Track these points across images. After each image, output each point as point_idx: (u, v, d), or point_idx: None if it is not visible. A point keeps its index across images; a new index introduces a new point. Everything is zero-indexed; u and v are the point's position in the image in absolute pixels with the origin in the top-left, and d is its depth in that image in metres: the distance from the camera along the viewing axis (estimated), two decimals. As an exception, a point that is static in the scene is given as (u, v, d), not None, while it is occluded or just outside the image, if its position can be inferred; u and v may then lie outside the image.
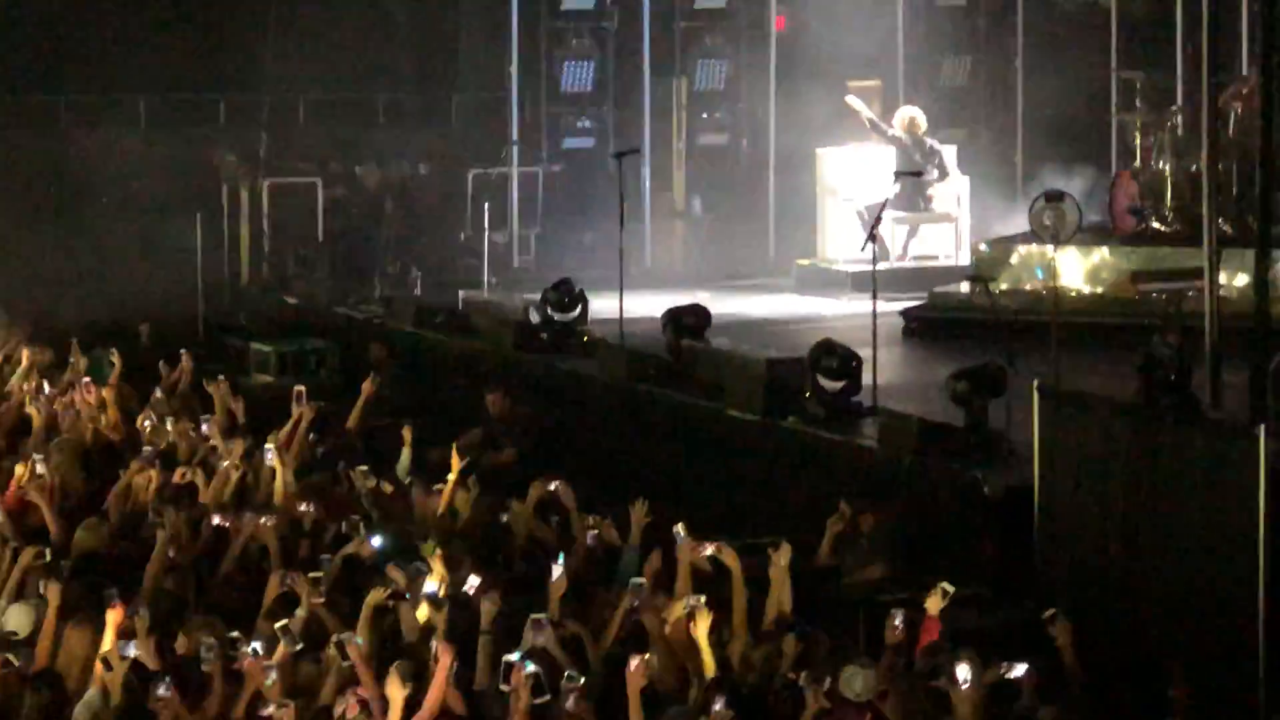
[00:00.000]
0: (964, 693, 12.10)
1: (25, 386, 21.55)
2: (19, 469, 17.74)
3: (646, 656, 12.48)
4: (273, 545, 15.70)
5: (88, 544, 16.08)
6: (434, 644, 12.71)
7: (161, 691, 12.20)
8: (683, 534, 14.92)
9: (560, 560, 14.37)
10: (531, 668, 12.02)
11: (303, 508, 16.85)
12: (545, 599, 13.82)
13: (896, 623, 13.52)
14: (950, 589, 14.09)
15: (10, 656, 12.93)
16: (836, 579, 16.63)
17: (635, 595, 13.70)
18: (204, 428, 19.36)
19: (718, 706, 11.80)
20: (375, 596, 13.75)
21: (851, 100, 27.97)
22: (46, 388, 21.46)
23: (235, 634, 13.30)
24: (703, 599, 13.43)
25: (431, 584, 14.08)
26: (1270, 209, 19.55)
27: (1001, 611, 16.03)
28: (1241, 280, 20.59)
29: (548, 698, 12.01)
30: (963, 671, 12.16)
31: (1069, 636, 13.30)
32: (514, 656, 12.22)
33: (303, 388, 20.68)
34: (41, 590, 14.06)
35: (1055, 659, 13.31)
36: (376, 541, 15.65)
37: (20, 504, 17.24)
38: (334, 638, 12.92)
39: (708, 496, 19.95)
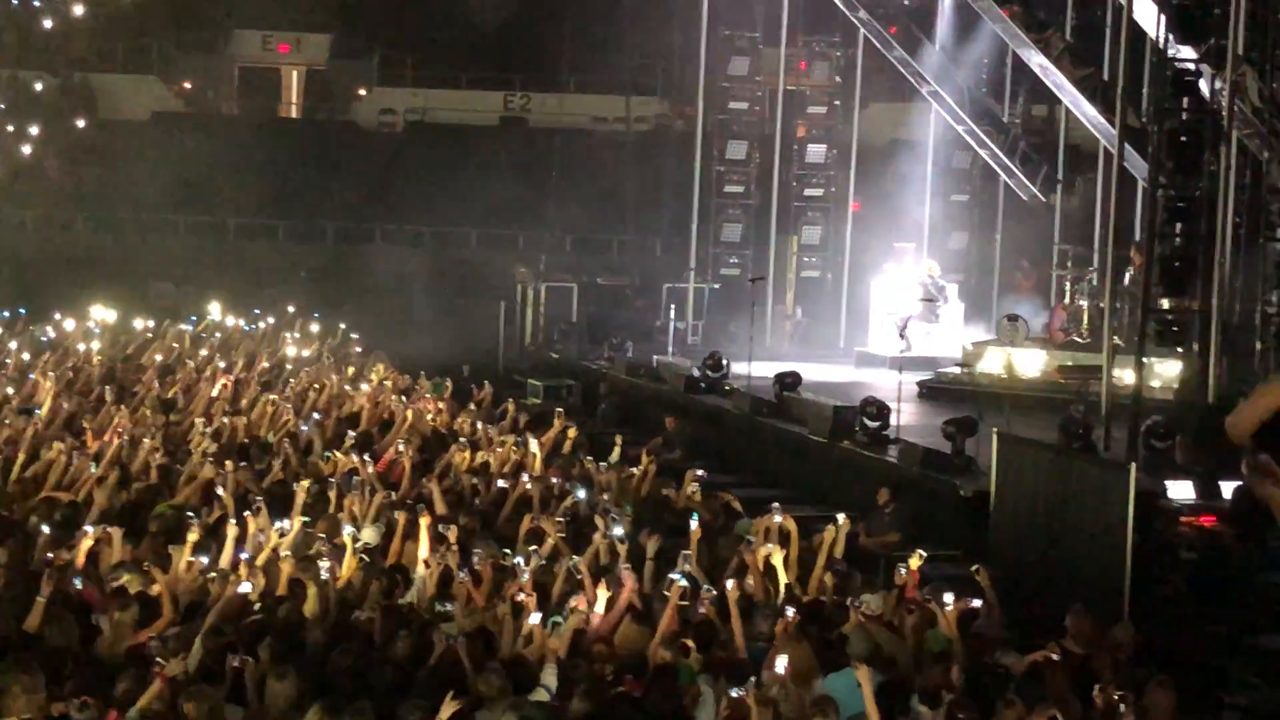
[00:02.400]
0: (949, 613, 11.60)
1: (394, 399, 21.38)
2: (389, 447, 17.59)
3: (737, 580, 11.96)
4: (535, 498, 15.40)
5: (427, 493, 15.53)
6: (620, 568, 12.24)
7: (462, 576, 11.85)
8: (778, 505, 14.58)
9: (695, 518, 13.91)
10: (683, 581, 11.55)
11: (552, 479, 16.50)
12: (688, 542, 13.33)
13: (901, 571, 12.97)
14: (924, 554, 13.28)
15: (366, 557, 12.63)
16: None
17: (745, 543, 13.26)
18: (494, 430, 19.14)
19: (789, 612, 11.17)
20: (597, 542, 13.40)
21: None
22: (405, 399, 21.39)
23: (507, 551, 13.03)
24: (778, 547, 13.04)
25: (619, 529, 13.57)
26: (1146, 332, 19.41)
27: (965, 566, 15.33)
28: (1127, 374, 19.98)
29: (688, 603, 11.60)
30: (948, 600, 11.73)
31: (988, 581, 12.60)
32: (674, 575, 11.77)
33: (559, 408, 20.91)
34: (389, 518, 13.94)
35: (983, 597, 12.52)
36: (581, 494, 15.38)
37: (386, 468, 16.93)
38: (570, 559, 12.56)
39: (796, 486, 19.70)
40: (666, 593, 11.52)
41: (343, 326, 28.57)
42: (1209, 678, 13.06)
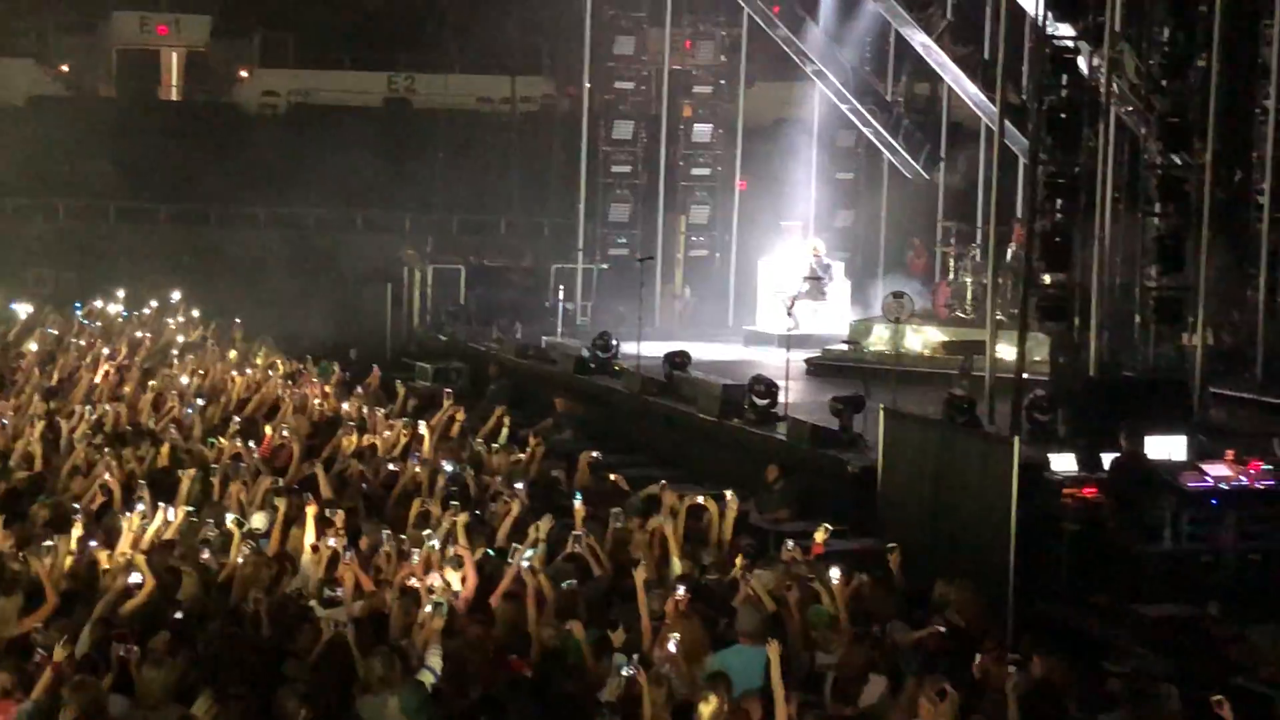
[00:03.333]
0: (835, 587, 11.70)
1: (280, 382, 21.23)
2: (270, 431, 17.53)
3: (644, 563, 11.97)
4: (424, 481, 15.36)
5: (306, 474, 15.65)
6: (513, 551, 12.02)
7: (347, 559, 11.79)
8: (665, 484, 14.76)
9: (579, 497, 14.01)
10: (529, 555, 11.52)
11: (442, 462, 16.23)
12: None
13: (789, 545, 13.04)
14: (830, 528, 13.83)
15: (255, 544, 12.55)
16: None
17: (630, 520, 13.54)
18: (381, 412, 18.99)
19: (681, 588, 11.20)
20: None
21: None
22: (292, 383, 21.35)
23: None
24: (671, 523, 13.06)
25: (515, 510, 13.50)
26: (1028, 307, 19.50)
27: (855, 541, 15.54)
28: (1009, 350, 19.92)
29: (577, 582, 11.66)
30: (834, 575, 11.81)
31: (899, 561, 12.87)
32: (529, 553, 11.68)
33: (448, 389, 20.77)
34: (275, 503, 13.76)
35: (888, 573, 12.79)
36: (472, 475, 15.32)
37: (271, 452, 16.81)
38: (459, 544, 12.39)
39: (686, 464, 19.80)
40: (524, 565, 11.46)
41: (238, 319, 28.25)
42: (1092, 647, 13.20)
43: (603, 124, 31.68)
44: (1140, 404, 17.59)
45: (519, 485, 14.76)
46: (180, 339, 25.73)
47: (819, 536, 13.58)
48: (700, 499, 14.25)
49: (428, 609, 10.48)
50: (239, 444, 16.44)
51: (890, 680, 10.07)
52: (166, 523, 13.07)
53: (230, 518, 13.05)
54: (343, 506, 13.72)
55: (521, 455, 17.25)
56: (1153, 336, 21.81)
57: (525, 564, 11.50)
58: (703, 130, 32.18)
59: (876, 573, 12.67)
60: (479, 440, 17.95)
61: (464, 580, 11.61)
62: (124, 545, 12.34)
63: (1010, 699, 9.30)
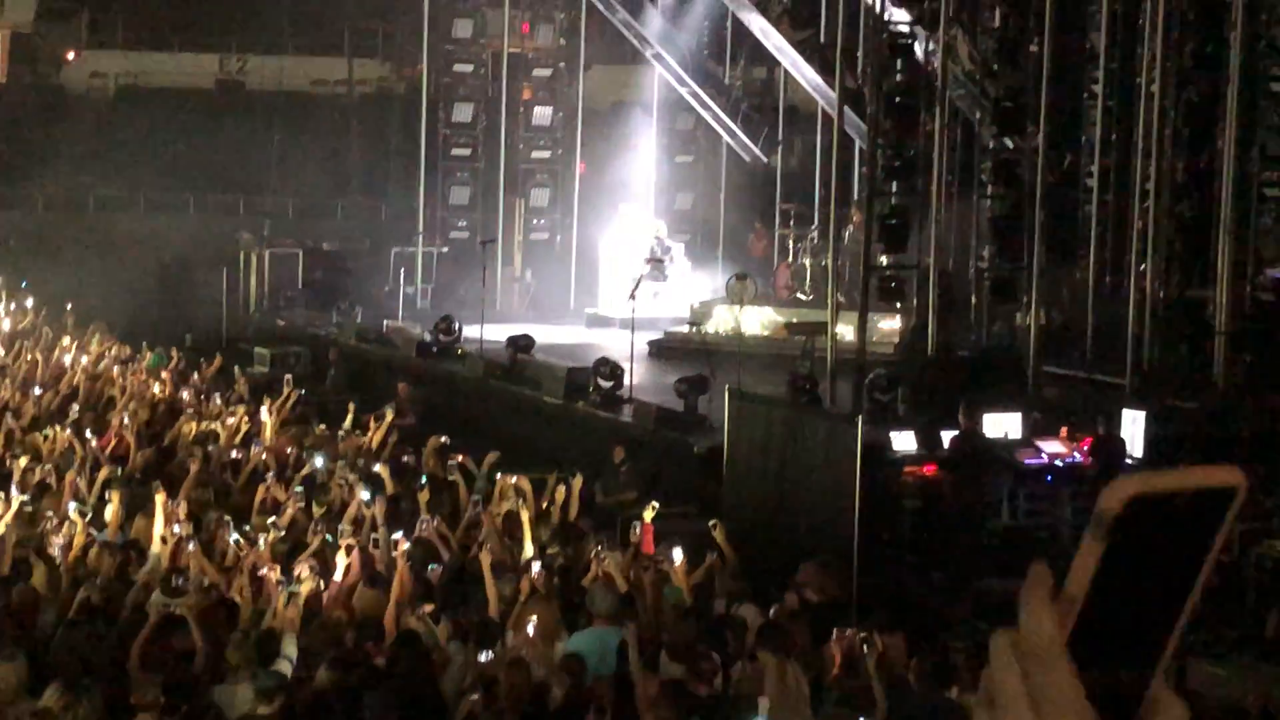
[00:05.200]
0: (678, 568, 11.81)
1: (115, 368, 21.05)
2: (114, 419, 17.29)
3: (489, 546, 11.97)
4: (271, 465, 15.35)
5: (154, 466, 15.52)
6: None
7: (190, 548, 11.77)
8: (494, 462, 14.92)
9: (424, 480, 14.07)
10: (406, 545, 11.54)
11: (286, 448, 16.47)
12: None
13: (635, 529, 12.96)
14: (657, 505, 13.71)
15: (95, 532, 12.47)
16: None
17: (480, 503, 13.56)
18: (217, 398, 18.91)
19: (536, 567, 11.32)
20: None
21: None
22: (127, 370, 21.07)
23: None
24: (520, 502, 13.13)
25: (365, 494, 13.38)
26: (868, 289, 19.93)
27: (701, 522, 15.01)
28: (850, 330, 20.27)
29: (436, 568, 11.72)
30: (677, 555, 11.89)
31: (724, 536, 12.78)
32: (396, 536, 11.79)
33: (288, 375, 20.72)
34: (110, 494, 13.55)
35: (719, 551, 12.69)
36: (319, 461, 15.31)
37: (110, 441, 16.56)
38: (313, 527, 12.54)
39: (530, 447, 19.39)
40: (394, 554, 11.49)
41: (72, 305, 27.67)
42: (934, 622, 13.36)
43: (442, 107, 31.50)
44: (977, 383, 17.88)
45: (377, 469, 14.67)
46: (11, 325, 25.17)
47: (647, 516, 13.51)
48: (522, 479, 14.14)
49: (283, 598, 10.36)
50: (71, 435, 16.14)
51: (722, 656, 10.11)
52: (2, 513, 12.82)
53: (72, 506, 12.81)
54: (195, 497, 13.57)
55: (364, 440, 17.14)
56: (986, 317, 22.32)
57: (378, 550, 11.46)
58: (542, 113, 32.12)
59: (721, 552, 12.64)
60: (321, 426, 17.78)
61: (348, 569, 11.54)
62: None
63: (874, 675, 9.43)
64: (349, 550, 11.84)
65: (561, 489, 14.03)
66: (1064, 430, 16.80)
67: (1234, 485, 1.23)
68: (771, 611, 11.05)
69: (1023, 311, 20.88)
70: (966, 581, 14.67)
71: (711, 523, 13.11)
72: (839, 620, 10.87)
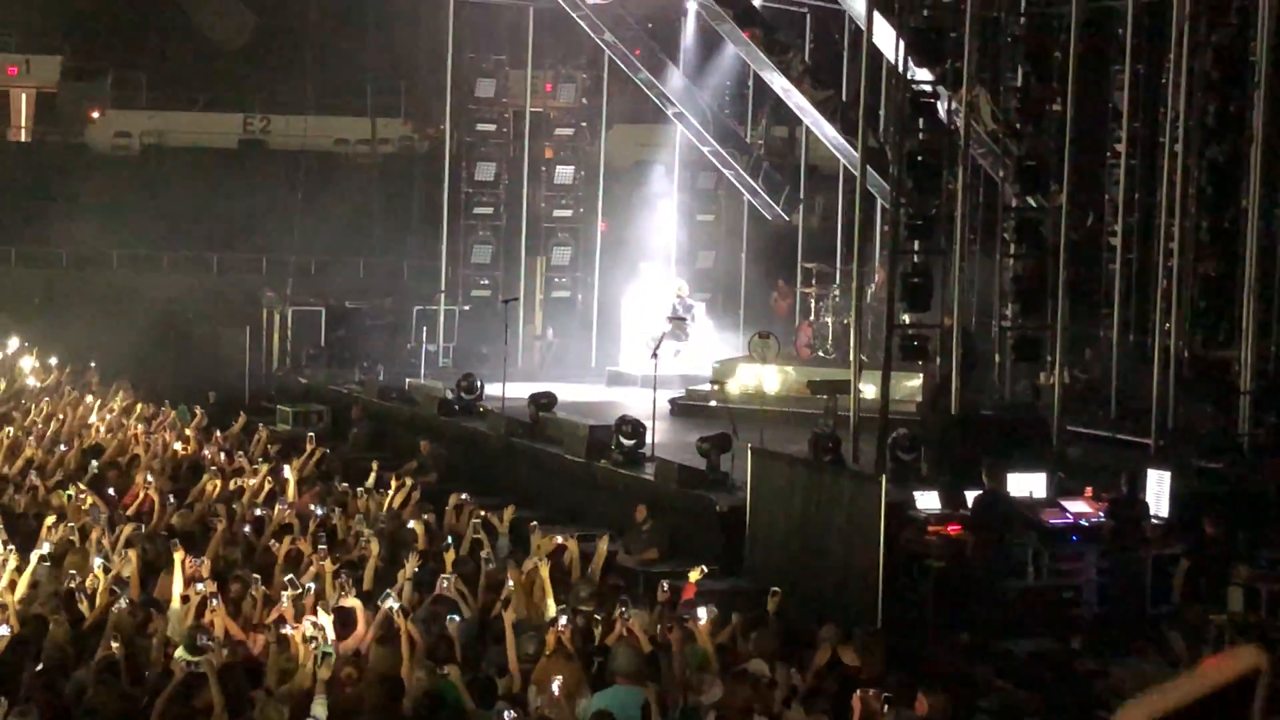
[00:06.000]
0: (703, 627, 11.77)
1: (139, 426, 21.26)
2: (137, 476, 17.42)
3: (514, 603, 12.18)
4: (295, 523, 15.37)
5: (178, 524, 15.64)
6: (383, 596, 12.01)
7: (214, 605, 11.88)
8: (536, 525, 14.98)
9: (450, 541, 14.17)
10: (397, 605, 11.46)
11: (309, 505, 16.46)
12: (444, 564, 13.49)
13: (664, 586, 13.28)
14: (705, 569, 13.92)
15: (117, 590, 12.44)
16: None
17: (503, 562, 13.58)
18: (240, 457, 19.04)
19: (562, 621, 11.19)
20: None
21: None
22: (149, 427, 21.27)
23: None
24: (545, 562, 13.09)
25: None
26: (890, 347, 19.67)
27: (724, 581, 15.56)
28: (872, 389, 20.06)
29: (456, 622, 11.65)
30: (702, 615, 11.87)
31: (778, 605, 12.83)
32: (391, 599, 11.62)
33: (310, 433, 20.76)
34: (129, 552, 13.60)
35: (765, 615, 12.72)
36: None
37: (134, 499, 16.75)
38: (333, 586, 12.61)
39: (552, 506, 19.69)
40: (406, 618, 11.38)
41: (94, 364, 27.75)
42: (958, 683, 13.19)
43: (464, 165, 31.61)
44: (1001, 442, 17.80)
45: (411, 525, 14.65)
46: (33, 383, 25.27)
47: (694, 577, 13.59)
48: (567, 539, 14.26)
49: (313, 658, 10.33)
50: (92, 491, 16.21)
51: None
52: (20, 571, 12.84)
53: (98, 562, 12.82)
54: (222, 556, 13.61)
55: (387, 498, 17.20)
56: (1010, 376, 22.27)
57: (393, 607, 11.45)
58: (564, 172, 32.19)
59: (754, 613, 12.73)
60: (343, 485, 17.83)
61: (355, 627, 11.55)
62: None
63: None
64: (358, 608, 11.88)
65: (576, 547, 14.12)
66: (1088, 490, 16.72)
67: (1256, 669, 1.12)
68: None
69: (1046, 370, 20.82)
70: (990, 642, 14.57)
71: (773, 590, 13.07)
72: (871, 682, 10.79)
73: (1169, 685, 1.11)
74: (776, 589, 13.20)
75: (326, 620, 11.47)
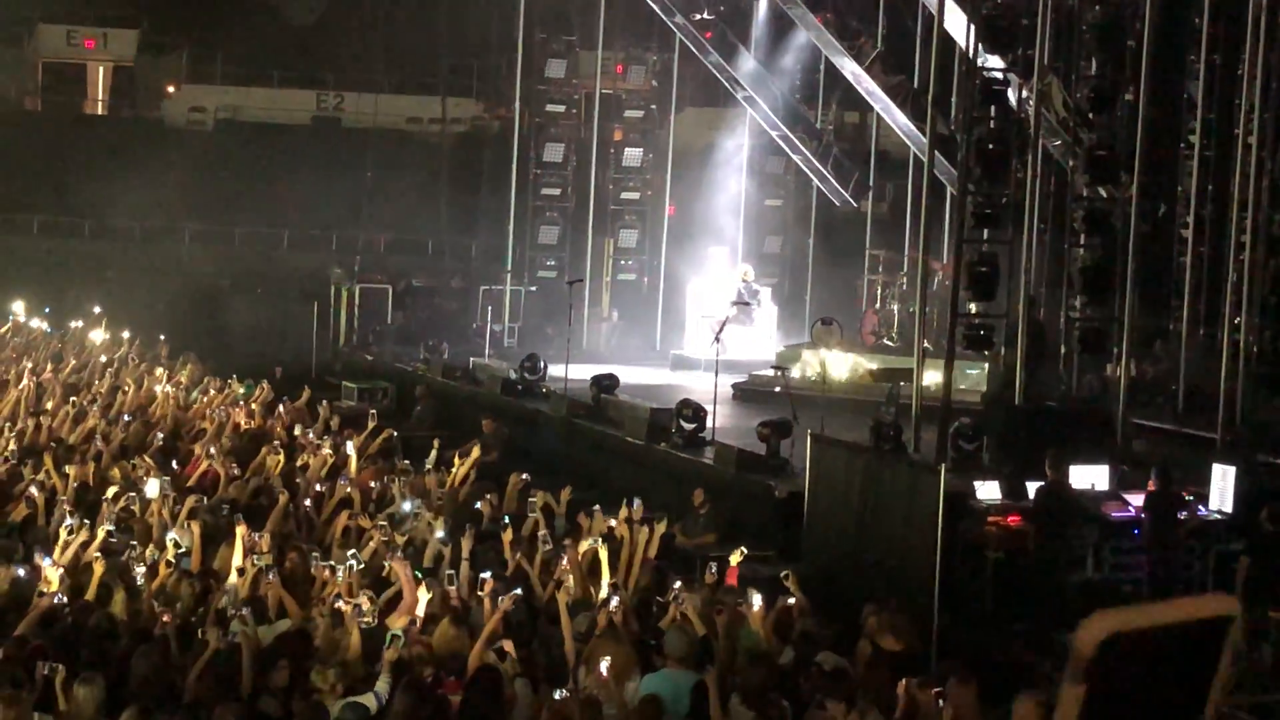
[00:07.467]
0: (755, 613, 11.74)
1: (204, 399, 21.49)
2: (198, 449, 17.52)
3: (569, 582, 12.13)
4: (356, 499, 15.45)
5: (239, 496, 15.71)
6: (443, 572, 12.33)
7: (270, 578, 11.92)
8: (596, 508, 14.96)
9: (506, 521, 14.15)
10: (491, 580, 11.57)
11: (370, 481, 16.56)
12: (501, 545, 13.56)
13: (711, 569, 13.16)
14: (745, 551, 13.84)
15: (173, 561, 12.53)
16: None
17: (562, 541, 13.55)
18: (310, 433, 19.00)
19: (614, 601, 11.23)
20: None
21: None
22: (217, 400, 21.38)
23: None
24: (601, 542, 13.08)
25: (441, 532, 13.90)
26: (955, 336, 19.39)
27: (781, 566, 15.16)
28: (935, 377, 19.83)
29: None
30: (755, 600, 11.81)
31: (796, 585, 12.68)
32: (485, 575, 11.87)
33: (374, 410, 20.85)
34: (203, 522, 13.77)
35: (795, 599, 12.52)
36: (406, 506, 15.45)
37: (195, 468, 16.88)
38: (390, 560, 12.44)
39: (611, 487, 19.08)
40: (480, 593, 11.51)
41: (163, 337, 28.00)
42: (1014, 674, 13.05)
43: (533, 146, 31.69)
44: (1065, 434, 17.64)
45: (478, 505, 14.84)
46: (104, 356, 25.52)
47: (734, 559, 13.54)
48: (622, 521, 14.24)
49: (386, 641, 10.32)
50: (154, 463, 16.33)
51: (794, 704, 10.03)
52: (90, 540, 12.96)
53: (170, 535, 12.94)
54: (279, 529, 13.70)
55: (447, 475, 17.27)
56: (1076, 367, 22.07)
57: (454, 586, 11.49)
58: (633, 154, 32.22)
59: (796, 600, 12.60)
60: (405, 461, 17.89)
61: (429, 604, 11.60)
62: (60, 561, 12.21)
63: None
64: (428, 587, 11.88)
65: (630, 531, 14.00)
66: (1152, 484, 16.54)
67: (1228, 614, 1.13)
68: (848, 659, 10.94)
69: (1113, 363, 20.63)
70: (1048, 634, 14.46)
71: (784, 574, 13.05)
72: (917, 670, 10.75)
73: (1142, 607, 1.13)
74: (786, 571, 13.12)
75: (371, 598, 11.44)
